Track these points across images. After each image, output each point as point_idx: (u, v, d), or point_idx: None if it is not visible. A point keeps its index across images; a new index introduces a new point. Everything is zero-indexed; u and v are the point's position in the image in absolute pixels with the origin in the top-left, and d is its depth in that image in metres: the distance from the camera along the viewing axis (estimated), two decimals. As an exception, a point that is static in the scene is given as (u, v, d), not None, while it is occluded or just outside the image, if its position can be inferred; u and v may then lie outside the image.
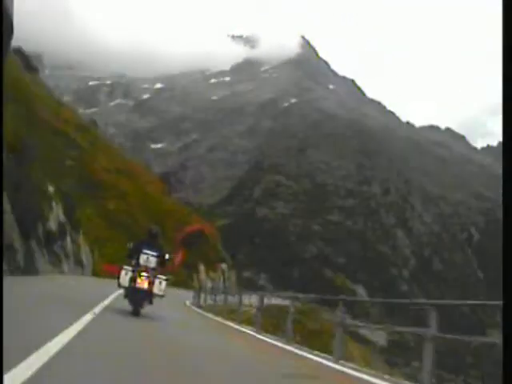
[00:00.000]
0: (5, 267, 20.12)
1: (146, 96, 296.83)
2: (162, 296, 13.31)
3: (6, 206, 22.42)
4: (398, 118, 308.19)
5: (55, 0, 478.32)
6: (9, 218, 23.43)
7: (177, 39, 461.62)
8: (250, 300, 25.67)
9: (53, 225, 37.68)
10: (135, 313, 12.94)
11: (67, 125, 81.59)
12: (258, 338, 14.42)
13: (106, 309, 13.78)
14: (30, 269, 26.96)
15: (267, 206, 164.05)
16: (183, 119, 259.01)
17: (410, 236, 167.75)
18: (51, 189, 39.61)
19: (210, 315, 23.35)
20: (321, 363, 9.89)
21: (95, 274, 52.01)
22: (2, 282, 11.24)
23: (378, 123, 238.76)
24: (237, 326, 18.04)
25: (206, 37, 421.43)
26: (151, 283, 12.99)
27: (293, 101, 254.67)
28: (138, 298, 12.93)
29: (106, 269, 52.04)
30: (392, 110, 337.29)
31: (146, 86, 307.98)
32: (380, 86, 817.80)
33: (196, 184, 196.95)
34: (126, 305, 13.46)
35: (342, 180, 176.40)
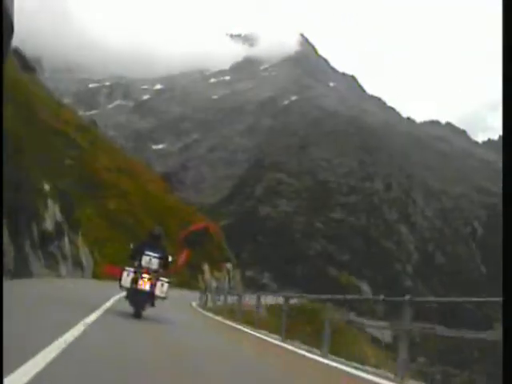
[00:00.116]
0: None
1: (145, 97, 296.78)
2: (163, 298, 13.18)
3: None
4: (398, 114, 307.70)
5: (53, 2, 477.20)
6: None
7: (176, 39, 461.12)
8: (266, 300, 24.99)
9: (49, 224, 35.89)
10: (136, 315, 12.77)
11: (66, 124, 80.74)
12: (288, 349, 11.96)
13: (108, 311, 13.63)
14: (22, 272, 24.85)
15: (269, 204, 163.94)
16: (183, 119, 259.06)
17: (413, 231, 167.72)
18: (47, 187, 38.02)
19: (223, 320, 20.95)
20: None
21: (96, 276, 50.26)
22: (2, 282, 11.12)
23: (378, 119, 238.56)
24: (257, 334, 15.48)
25: (205, 36, 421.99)
26: (153, 285, 12.83)
27: (293, 98, 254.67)
28: (139, 300, 12.77)
29: (108, 270, 50.30)
30: (392, 105, 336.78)
31: (145, 86, 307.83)
32: (380, 82, 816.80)
33: (197, 184, 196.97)
34: (127, 306, 13.32)
35: (344, 177, 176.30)
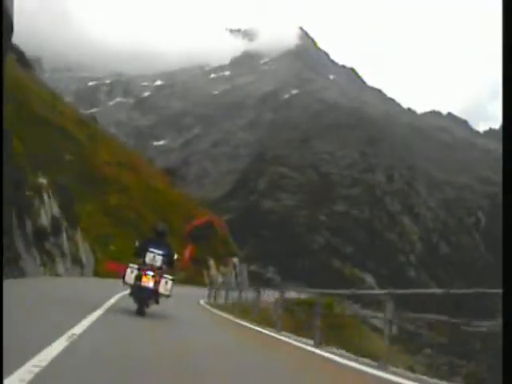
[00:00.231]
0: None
1: (146, 94, 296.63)
2: (167, 296, 13.03)
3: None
4: (399, 105, 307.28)
5: (52, 2, 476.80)
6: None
7: (175, 35, 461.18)
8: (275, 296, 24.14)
9: (45, 220, 33.91)
10: (140, 312, 12.67)
11: (65, 119, 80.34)
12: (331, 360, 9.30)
13: (109, 310, 13.41)
14: (12, 271, 22.62)
15: (272, 198, 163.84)
16: (184, 115, 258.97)
17: (417, 222, 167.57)
18: (43, 181, 35.98)
19: (244, 323, 17.48)
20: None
21: (97, 274, 48.04)
22: (2, 282, 10.94)
23: (379, 111, 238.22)
24: (282, 337, 13.13)
25: (204, 32, 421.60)
26: (157, 282, 12.72)
27: (293, 92, 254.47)
28: (143, 297, 12.66)
29: (110, 267, 49.15)
30: (392, 97, 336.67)
31: (145, 83, 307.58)
32: (379, 74, 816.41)
33: (199, 179, 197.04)
34: (131, 304, 13.18)
35: (346, 169, 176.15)
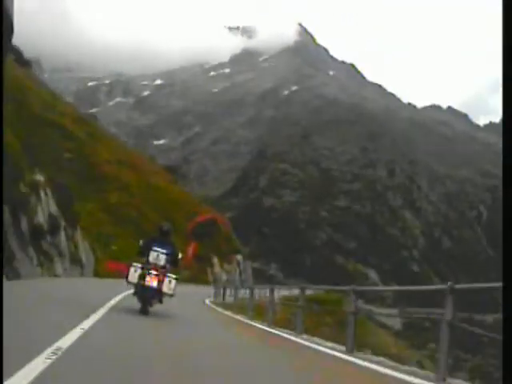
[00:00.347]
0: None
1: (145, 93, 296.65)
2: (171, 295, 12.95)
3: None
4: (399, 100, 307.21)
5: (51, 3, 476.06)
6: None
7: (174, 34, 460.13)
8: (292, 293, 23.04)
9: (41, 218, 32.23)
10: (143, 311, 12.60)
11: (64, 118, 79.69)
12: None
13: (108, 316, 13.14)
14: (6, 272, 20.70)
15: (273, 195, 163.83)
16: (184, 114, 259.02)
17: (419, 216, 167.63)
18: (40, 177, 34.37)
19: (262, 326, 15.55)
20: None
21: (97, 274, 46.31)
22: (2, 283, 10.76)
23: (379, 106, 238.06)
24: (318, 347, 10.93)
25: (203, 30, 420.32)
26: (161, 281, 12.65)
27: (293, 88, 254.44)
28: (146, 296, 12.61)
29: (111, 267, 48.42)
30: (392, 91, 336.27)
31: (145, 82, 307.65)
32: (379, 69, 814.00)
33: (200, 177, 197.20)
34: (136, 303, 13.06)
35: (347, 165, 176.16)
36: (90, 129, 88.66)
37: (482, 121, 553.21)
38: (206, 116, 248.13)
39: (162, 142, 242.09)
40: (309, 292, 21.73)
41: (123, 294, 18.11)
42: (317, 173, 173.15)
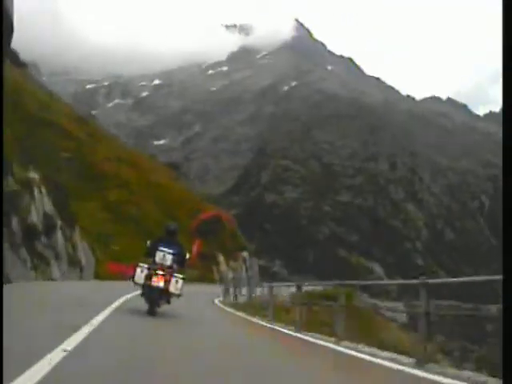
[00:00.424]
0: None
1: (144, 94, 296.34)
2: (178, 295, 12.88)
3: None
4: (398, 92, 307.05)
5: (47, 7, 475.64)
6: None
7: (170, 34, 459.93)
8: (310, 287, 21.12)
9: (35, 217, 30.73)
10: (151, 312, 12.53)
11: (61, 117, 78.85)
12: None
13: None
14: None
15: (275, 191, 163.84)
16: (184, 113, 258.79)
17: (421, 209, 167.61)
18: (35, 175, 32.85)
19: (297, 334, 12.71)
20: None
21: (98, 276, 44.34)
22: (2, 285, 10.20)
23: (378, 99, 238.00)
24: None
25: (200, 29, 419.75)
26: (167, 281, 12.58)
27: (292, 84, 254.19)
28: (153, 297, 12.55)
29: (112, 268, 47.01)
30: (391, 84, 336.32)
31: (143, 83, 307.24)
32: (377, 62, 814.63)
33: (201, 176, 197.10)
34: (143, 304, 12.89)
35: (349, 159, 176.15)
36: (88, 128, 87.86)
37: (481, 111, 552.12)
38: (205, 115, 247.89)
39: (162, 142, 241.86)
40: (309, 288, 21.24)
41: (126, 297, 17.04)
42: (318, 168, 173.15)
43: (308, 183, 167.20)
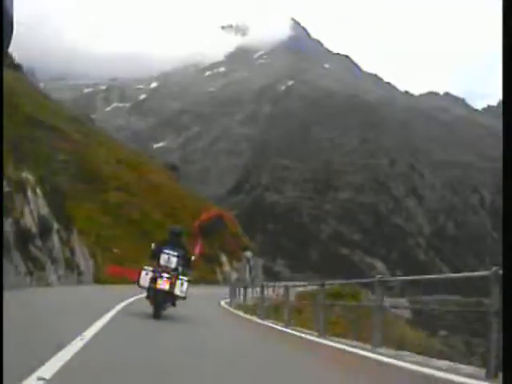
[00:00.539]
0: None
1: (142, 97, 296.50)
2: (184, 298, 12.80)
3: None
4: (395, 88, 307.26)
5: (40, 13, 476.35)
6: None
7: (167, 36, 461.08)
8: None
9: (29, 219, 29.44)
10: (156, 315, 12.37)
11: (57, 119, 78.10)
12: None
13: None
14: None
15: (276, 190, 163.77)
16: (182, 115, 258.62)
17: (422, 204, 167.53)
18: (29, 177, 31.65)
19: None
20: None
21: (98, 280, 41.75)
22: (3, 289, 9.69)
23: (376, 95, 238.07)
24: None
25: (196, 30, 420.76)
26: (172, 284, 12.49)
27: (290, 83, 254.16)
28: (159, 300, 12.44)
29: (113, 271, 45.43)
30: (389, 80, 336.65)
31: (141, 86, 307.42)
32: (374, 59, 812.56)
33: (202, 178, 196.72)
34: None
35: (348, 156, 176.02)
36: (85, 129, 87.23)
37: (479, 105, 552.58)
38: (203, 116, 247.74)
39: (161, 144, 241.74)
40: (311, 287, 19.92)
41: (128, 301, 16.52)
42: (318, 166, 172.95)
43: (308, 182, 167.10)
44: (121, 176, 74.71)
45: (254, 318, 17.43)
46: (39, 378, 4.61)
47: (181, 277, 12.78)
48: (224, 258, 73.75)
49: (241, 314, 20.15)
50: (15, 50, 75.07)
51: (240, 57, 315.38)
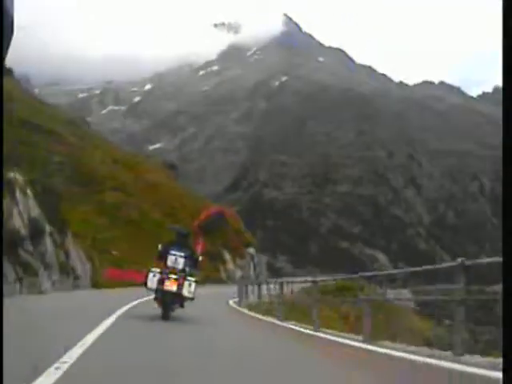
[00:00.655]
0: None
1: (136, 99, 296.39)
2: (191, 299, 12.70)
3: None
4: (390, 79, 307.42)
5: (33, 19, 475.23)
6: None
7: (159, 37, 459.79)
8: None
9: (18, 221, 28.10)
10: (164, 317, 12.31)
11: (52, 122, 77.51)
12: None
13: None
14: None
15: (274, 186, 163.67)
16: (177, 115, 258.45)
17: (421, 194, 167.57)
18: (17, 176, 30.32)
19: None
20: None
21: (96, 285, 40.11)
22: (3, 290, 9.35)
23: (370, 87, 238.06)
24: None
25: (189, 30, 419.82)
26: (180, 285, 12.43)
27: (284, 79, 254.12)
28: (167, 301, 12.39)
29: (113, 275, 43.22)
30: (383, 72, 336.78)
31: (135, 88, 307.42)
32: (368, 50, 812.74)
33: (199, 177, 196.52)
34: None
35: (345, 149, 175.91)
36: (81, 132, 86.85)
37: (474, 92, 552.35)
38: (198, 115, 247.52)
39: (157, 145, 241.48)
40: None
41: (125, 309, 15.55)
42: (315, 160, 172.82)
43: (306, 176, 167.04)
44: (117, 176, 73.69)
45: (274, 320, 16.00)
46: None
47: (188, 278, 12.72)
48: (227, 256, 72.66)
49: (259, 316, 18.09)
50: (8, 55, 74.81)
51: (233, 55, 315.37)
